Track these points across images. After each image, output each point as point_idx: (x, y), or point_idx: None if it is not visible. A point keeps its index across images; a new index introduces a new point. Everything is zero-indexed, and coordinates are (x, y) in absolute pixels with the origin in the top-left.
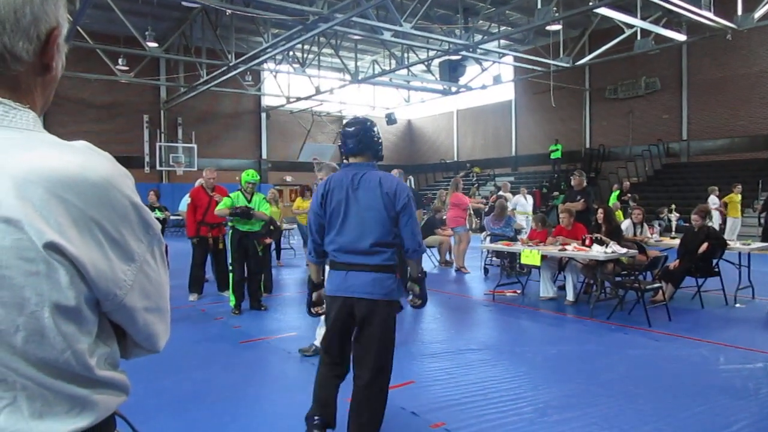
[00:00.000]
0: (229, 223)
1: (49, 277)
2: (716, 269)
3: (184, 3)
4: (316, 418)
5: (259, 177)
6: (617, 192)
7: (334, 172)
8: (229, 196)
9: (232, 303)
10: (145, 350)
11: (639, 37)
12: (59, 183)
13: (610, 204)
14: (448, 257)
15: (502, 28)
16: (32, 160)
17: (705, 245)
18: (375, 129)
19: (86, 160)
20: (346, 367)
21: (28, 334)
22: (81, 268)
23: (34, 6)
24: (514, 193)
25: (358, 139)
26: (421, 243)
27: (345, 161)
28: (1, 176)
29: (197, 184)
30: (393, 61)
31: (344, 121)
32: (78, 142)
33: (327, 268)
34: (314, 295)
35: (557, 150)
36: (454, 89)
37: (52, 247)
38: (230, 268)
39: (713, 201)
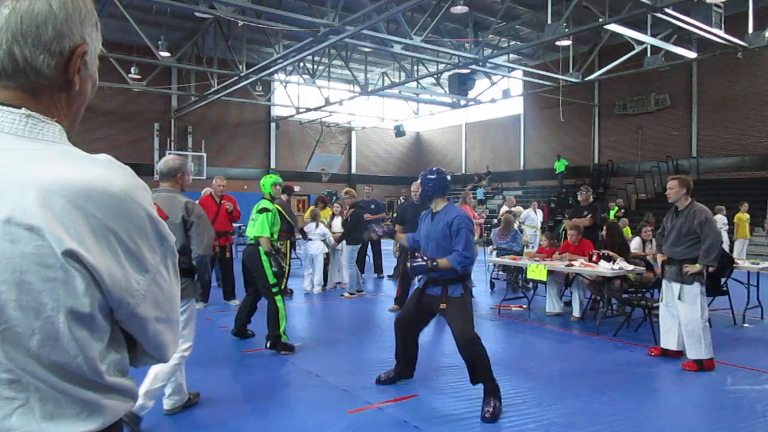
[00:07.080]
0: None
1: (66, 284)
2: (725, 288)
3: (197, 14)
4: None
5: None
6: (615, 209)
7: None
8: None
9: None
10: (154, 359)
11: (649, 54)
12: (80, 194)
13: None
14: None
15: (512, 42)
16: (56, 171)
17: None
18: None
19: (107, 172)
20: None
21: (43, 337)
22: (97, 276)
23: (57, 22)
24: (524, 207)
25: None
26: None
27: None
28: (28, 186)
29: (204, 193)
30: (402, 74)
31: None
32: (101, 156)
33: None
34: None
35: (561, 165)
36: (463, 102)
37: (70, 254)
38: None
39: (721, 220)
